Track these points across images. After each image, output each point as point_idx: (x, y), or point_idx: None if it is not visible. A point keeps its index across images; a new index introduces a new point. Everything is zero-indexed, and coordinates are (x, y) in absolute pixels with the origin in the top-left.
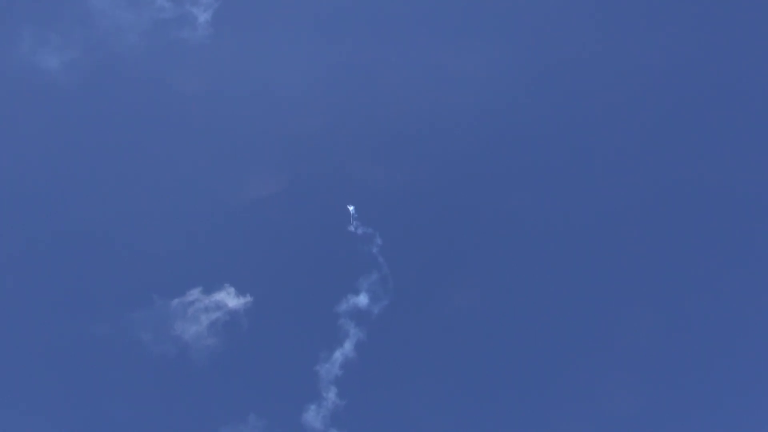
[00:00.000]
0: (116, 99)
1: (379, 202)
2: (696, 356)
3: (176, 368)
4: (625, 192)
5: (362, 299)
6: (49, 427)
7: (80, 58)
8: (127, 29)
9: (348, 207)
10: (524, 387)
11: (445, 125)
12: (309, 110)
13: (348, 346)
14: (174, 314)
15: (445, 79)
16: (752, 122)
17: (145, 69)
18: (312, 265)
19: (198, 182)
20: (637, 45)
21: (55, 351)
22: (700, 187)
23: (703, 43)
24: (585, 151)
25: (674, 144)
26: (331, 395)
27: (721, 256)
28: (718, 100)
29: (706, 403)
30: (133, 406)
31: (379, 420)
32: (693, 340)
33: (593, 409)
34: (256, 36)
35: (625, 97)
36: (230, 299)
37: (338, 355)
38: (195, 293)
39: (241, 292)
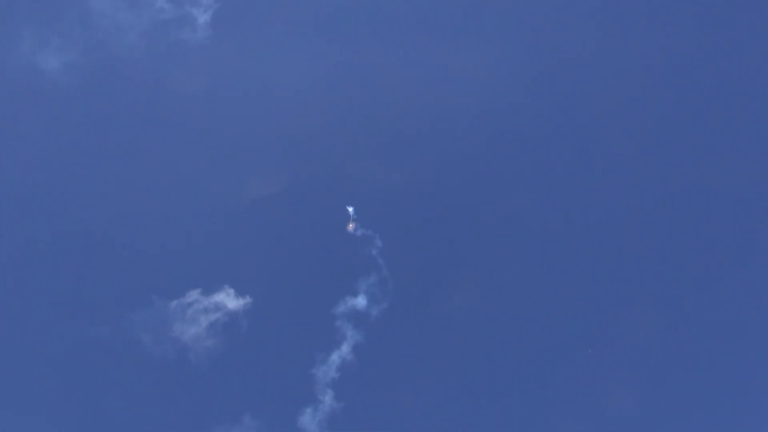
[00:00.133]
0: (116, 99)
1: (379, 203)
2: (696, 356)
3: (175, 369)
4: (624, 192)
5: (360, 301)
6: (49, 426)
7: (80, 59)
8: (127, 30)
9: (347, 208)
10: (524, 387)
11: (445, 126)
12: (309, 110)
13: (345, 348)
14: (173, 315)
15: (445, 80)
16: (752, 122)
17: (144, 70)
18: (312, 267)
19: (197, 183)
20: (637, 45)
21: (55, 351)
22: (699, 187)
23: (703, 43)
24: (584, 152)
25: (674, 144)
26: (327, 398)
27: (721, 256)
28: (718, 100)
29: (706, 403)
30: (132, 406)
31: (376, 424)
32: (693, 340)
33: (593, 408)
34: (255, 37)
35: (625, 98)
36: (230, 300)
37: (335, 357)
38: (194, 294)
39: (240, 293)
